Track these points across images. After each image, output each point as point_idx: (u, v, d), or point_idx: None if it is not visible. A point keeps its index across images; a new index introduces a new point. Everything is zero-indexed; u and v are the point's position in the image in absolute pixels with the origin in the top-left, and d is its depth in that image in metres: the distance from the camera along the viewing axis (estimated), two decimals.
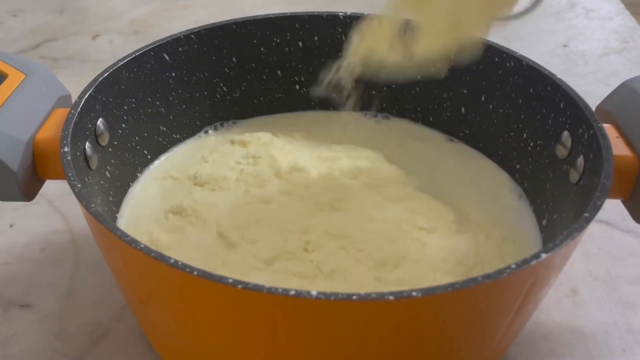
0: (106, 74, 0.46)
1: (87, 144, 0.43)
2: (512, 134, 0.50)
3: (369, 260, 0.42)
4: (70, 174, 0.38)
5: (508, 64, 0.48)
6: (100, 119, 0.45)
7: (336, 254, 0.43)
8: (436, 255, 0.43)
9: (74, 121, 0.41)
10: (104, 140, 0.45)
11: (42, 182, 0.44)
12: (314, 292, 0.30)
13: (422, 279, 0.42)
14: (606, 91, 0.47)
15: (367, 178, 0.49)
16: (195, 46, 0.51)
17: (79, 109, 0.42)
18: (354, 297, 0.30)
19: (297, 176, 0.49)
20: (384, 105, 0.56)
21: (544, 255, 0.33)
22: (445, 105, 0.53)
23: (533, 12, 0.40)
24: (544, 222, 0.46)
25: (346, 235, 0.44)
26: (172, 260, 0.32)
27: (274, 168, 0.49)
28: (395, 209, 0.47)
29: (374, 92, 0.55)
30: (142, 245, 0.33)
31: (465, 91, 0.52)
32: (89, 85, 0.44)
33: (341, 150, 0.52)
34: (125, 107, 0.48)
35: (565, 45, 0.82)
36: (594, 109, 0.44)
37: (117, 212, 0.47)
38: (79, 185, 0.37)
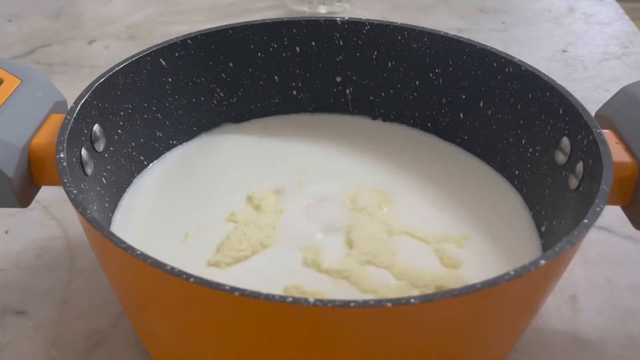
0: (102, 79, 0.45)
1: (83, 150, 0.43)
2: (510, 139, 0.49)
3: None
4: (66, 180, 0.37)
5: (507, 70, 0.48)
6: (96, 124, 0.45)
7: None
8: None
9: (69, 127, 0.41)
10: (100, 145, 0.45)
11: (37, 188, 0.44)
12: (311, 299, 0.30)
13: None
14: (605, 96, 0.47)
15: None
16: (192, 51, 0.51)
17: (74, 115, 0.42)
18: (352, 304, 0.30)
19: None
20: (382, 110, 0.56)
21: (542, 262, 0.33)
22: (443, 110, 0.53)
23: None
24: (543, 229, 0.46)
25: None
26: (169, 267, 0.32)
27: None
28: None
29: (372, 97, 0.55)
30: (139, 252, 0.33)
31: (463, 97, 0.52)
32: (85, 91, 0.44)
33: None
34: (122, 113, 0.48)
35: (564, 51, 0.82)
36: (593, 114, 0.43)
37: (113, 218, 0.47)
38: (74, 192, 0.37)
